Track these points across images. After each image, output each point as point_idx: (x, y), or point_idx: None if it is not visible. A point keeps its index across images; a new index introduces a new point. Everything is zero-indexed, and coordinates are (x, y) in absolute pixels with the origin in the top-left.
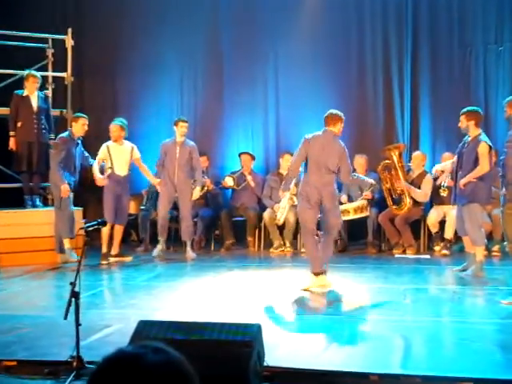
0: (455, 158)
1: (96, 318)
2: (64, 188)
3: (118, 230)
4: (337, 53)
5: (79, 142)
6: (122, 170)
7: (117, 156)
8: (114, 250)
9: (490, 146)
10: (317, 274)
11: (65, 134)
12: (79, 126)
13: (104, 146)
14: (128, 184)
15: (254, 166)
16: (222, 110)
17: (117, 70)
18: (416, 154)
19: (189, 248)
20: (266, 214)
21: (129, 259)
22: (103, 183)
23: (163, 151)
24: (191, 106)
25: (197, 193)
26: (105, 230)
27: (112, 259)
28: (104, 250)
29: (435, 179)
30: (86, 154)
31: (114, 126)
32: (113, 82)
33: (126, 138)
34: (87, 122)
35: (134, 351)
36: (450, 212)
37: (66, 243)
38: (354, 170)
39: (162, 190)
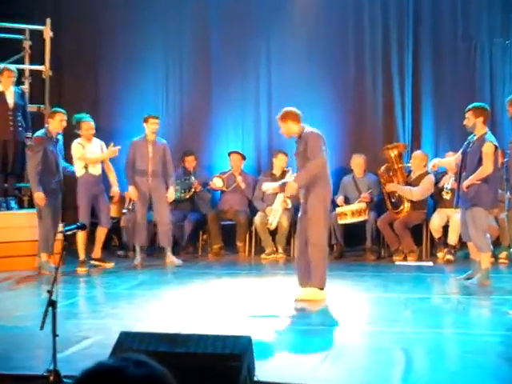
0: (458, 154)
1: (74, 329)
2: (38, 196)
3: (101, 233)
4: (333, 48)
5: (59, 138)
6: (96, 169)
7: (90, 154)
8: (96, 254)
9: (496, 146)
10: (322, 289)
11: (40, 133)
12: (56, 123)
13: (76, 143)
14: (103, 184)
15: (244, 167)
16: (211, 106)
17: (98, 64)
18: (416, 153)
19: (170, 253)
20: (258, 218)
21: (110, 265)
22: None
23: (133, 150)
24: (177, 102)
25: (172, 193)
26: (81, 235)
27: (93, 262)
28: (81, 256)
29: (436, 183)
30: (63, 152)
31: (90, 124)
32: (94, 76)
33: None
34: (65, 118)
35: (114, 364)
36: (454, 216)
37: (44, 256)
38: (352, 171)
39: (135, 193)
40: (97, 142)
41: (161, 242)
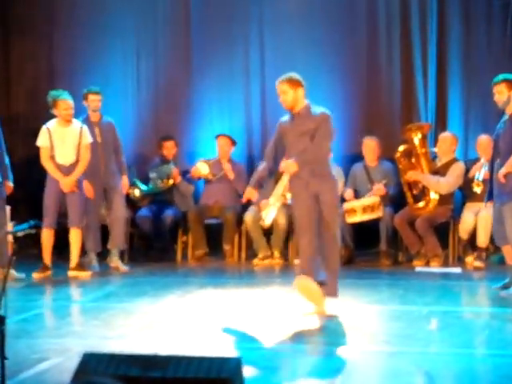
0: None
1: (27, 350)
2: None
3: (75, 236)
4: (340, 7)
5: None
6: (66, 158)
7: (61, 140)
8: (72, 262)
9: None
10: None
11: None
12: None
13: (44, 128)
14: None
15: (232, 153)
16: (191, 79)
17: (54, 29)
18: (444, 135)
19: (116, 257)
20: (249, 215)
21: (87, 275)
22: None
23: None
24: (150, 75)
25: (126, 184)
26: (45, 237)
27: (71, 273)
28: (46, 261)
29: (466, 172)
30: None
31: (69, 103)
32: (49, 44)
33: None
34: None
35: None
36: (482, 213)
37: None
38: (363, 158)
39: (89, 190)
40: (76, 126)
41: (111, 242)
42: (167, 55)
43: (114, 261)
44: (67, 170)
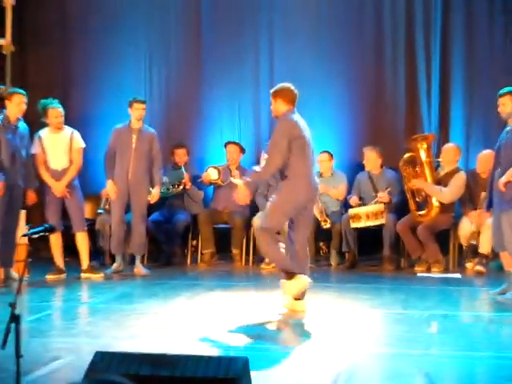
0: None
1: (41, 349)
2: None
3: (81, 239)
4: (347, 19)
5: (20, 126)
6: (59, 163)
7: (53, 146)
8: (84, 265)
9: None
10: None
11: None
12: (15, 106)
13: (36, 136)
14: (74, 180)
15: (241, 160)
16: (201, 88)
17: (69, 38)
18: (448, 146)
19: (139, 262)
20: (257, 219)
21: (99, 276)
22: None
23: (114, 139)
24: (162, 83)
25: (157, 195)
26: (53, 240)
27: (83, 275)
28: (58, 263)
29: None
30: (28, 146)
31: (58, 111)
32: (64, 52)
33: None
34: (25, 100)
35: None
36: (488, 221)
37: None
38: (363, 167)
39: (113, 190)
40: (67, 133)
41: (132, 248)
42: (179, 64)
43: (137, 265)
44: (60, 175)
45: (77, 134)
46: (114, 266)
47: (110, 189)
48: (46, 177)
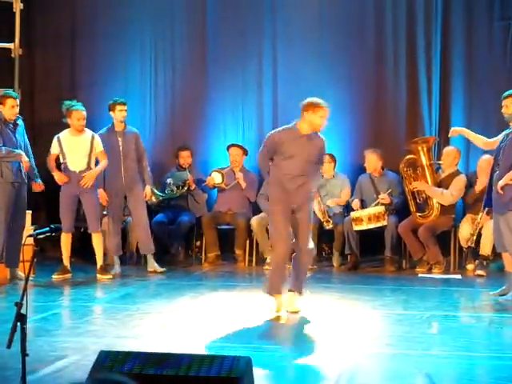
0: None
1: (47, 348)
2: None
3: (96, 240)
4: (349, 23)
5: (19, 123)
6: (78, 165)
7: (72, 148)
8: (98, 265)
9: None
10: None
11: None
12: (8, 109)
13: (55, 138)
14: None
15: (245, 162)
16: (206, 91)
17: (76, 42)
18: (448, 149)
19: (152, 260)
20: (255, 219)
21: (109, 278)
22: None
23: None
24: (167, 86)
25: (149, 193)
26: (63, 240)
27: (98, 276)
28: (65, 263)
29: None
30: (27, 143)
31: (82, 113)
32: (71, 56)
33: (86, 124)
34: (17, 103)
35: None
36: (488, 223)
37: None
38: (364, 169)
39: (103, 197)
40: (87, 136)
41: (141, 248)
42: (184, 68)
43: (151, 265)
44: (78, 177)
45: (98, 138)
46: (117, 267)
47: (101, 196)
48: (53, 168)
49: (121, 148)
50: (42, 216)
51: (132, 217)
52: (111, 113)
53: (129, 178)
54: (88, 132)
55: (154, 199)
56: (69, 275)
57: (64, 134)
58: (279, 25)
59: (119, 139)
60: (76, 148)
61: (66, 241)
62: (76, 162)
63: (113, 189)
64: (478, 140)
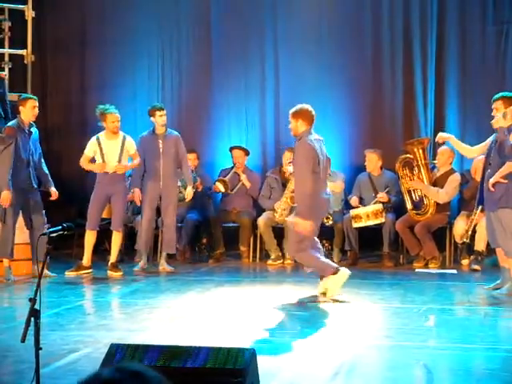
0: (488, 141)
1: (60, 342)
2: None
3: (116, 238)
4: (348, 29)
5: (33, 130)
6: (111, 166)
7: (107, 150)
8: (111, 261)
9: None
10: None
11: (12, 123)
12: (28, 111)
13: (94, 138)
14: (123, 183)
15: (248, 163)
16: (211, 95)
17: (86, 48)
18: (443, 149)
19: (163, 260)
20: (262, 218)
21: (119, 274)
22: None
23: (142, 147)
24: (174, 91)
25: (190, 193)
26: (87, 238)
27: (110, 273)
28: (85, 260)
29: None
30: (39, 150)
31: (116, 116)
32: (81, 62)
33: (96, 128)
34: (37, 104)
35: (109, 376)
36: (483, 220)
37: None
38: (364, 168)
39: (137, 197)
40: (120, 138)
41: (165, 247)
42: (190, 73)
43: (162, 263)
44: (111, 178)
45: (129, 139)
46: (141, 263)
47: (135, 196)
48: (91, 166)
49: (161, 150)
50: (54, 217)
51: (162, 216)
52: (152, 118)
53: (166, 180)
54: (120, 133)
55: (183, 196)
56: (83, 271)
57: (101, 136)
58: (280, 31)
59: (160, 141)
60: (111, 150)
61: (89, 238)
62: (110, 163)
63: (149, 190)
64: (464, 150)
